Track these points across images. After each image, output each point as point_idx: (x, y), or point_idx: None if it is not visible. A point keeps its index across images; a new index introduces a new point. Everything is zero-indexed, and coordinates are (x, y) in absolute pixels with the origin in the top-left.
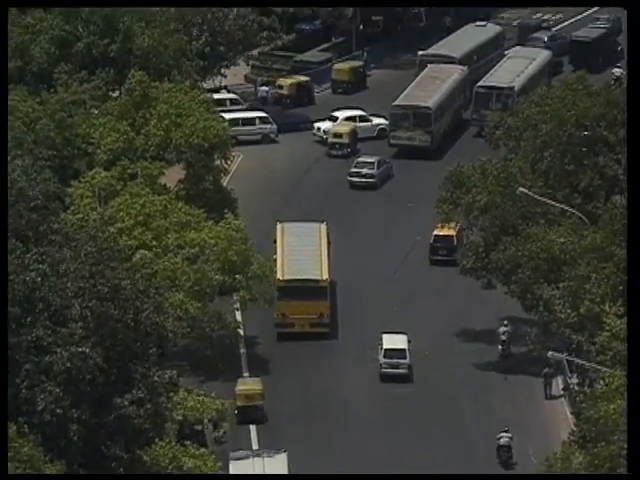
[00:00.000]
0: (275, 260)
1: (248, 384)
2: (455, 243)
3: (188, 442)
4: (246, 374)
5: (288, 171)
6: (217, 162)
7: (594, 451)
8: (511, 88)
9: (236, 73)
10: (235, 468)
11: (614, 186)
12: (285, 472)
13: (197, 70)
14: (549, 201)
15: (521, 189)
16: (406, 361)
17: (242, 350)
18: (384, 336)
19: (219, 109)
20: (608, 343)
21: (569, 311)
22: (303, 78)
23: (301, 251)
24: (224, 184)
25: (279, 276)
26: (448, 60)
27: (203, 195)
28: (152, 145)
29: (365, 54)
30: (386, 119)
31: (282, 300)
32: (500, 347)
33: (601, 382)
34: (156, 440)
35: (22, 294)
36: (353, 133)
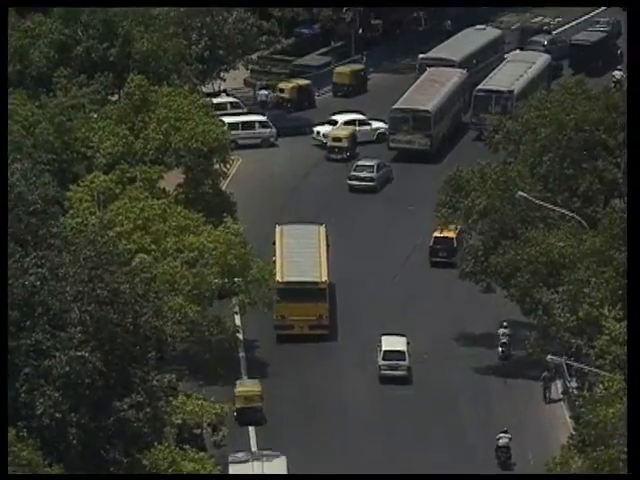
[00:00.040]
0: (274, 262)
1: (247, 386)
2: (455, 245)
3: (187, 446)
4: (245, 378)
5: (287, 175)
6: (216, 166)
7: (593, 455)
8: (510, 92)
9: (235, 77)
10: (234, 472)
11: (613, 190)
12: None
13: (196, 74)
14: (548, 205)
15: (520, 193)
16: (405, 363)
17: (241, 354)
18: (383, 338)
19: (220, 113)
20: (607, 347)
21: (568, 315)
22: (304, 82)
23: (300, 253)
24: (223, 188)
25: (278, 278)
26: (448, 63)
27: (202, 199)
28: (151, 149)
29: (364, 58)
30: (385, 123)
31: (281, 302)
32: (500, 349)
33: (600, 386)
34: (155, 444)
35: (21, 298)
36: (352, 137)
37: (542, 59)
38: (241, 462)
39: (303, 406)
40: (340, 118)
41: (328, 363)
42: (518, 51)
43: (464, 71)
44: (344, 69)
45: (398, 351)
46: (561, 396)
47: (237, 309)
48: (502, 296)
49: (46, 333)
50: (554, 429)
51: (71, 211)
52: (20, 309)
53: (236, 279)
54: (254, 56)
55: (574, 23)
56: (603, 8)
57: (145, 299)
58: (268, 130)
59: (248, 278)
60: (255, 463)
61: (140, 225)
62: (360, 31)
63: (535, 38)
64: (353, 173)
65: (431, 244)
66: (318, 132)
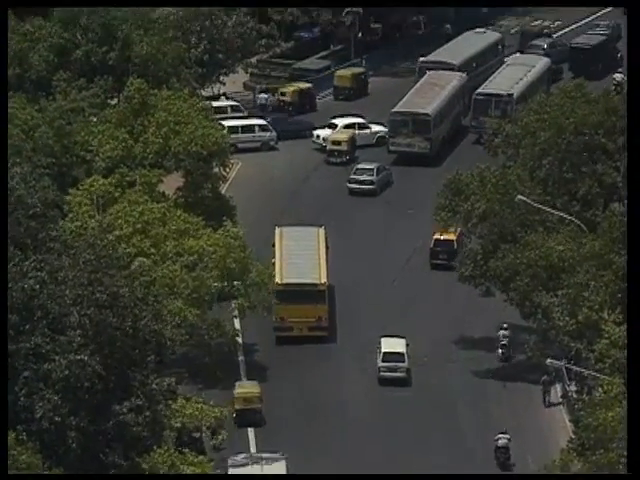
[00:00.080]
0: (273, 264)
1: (246, 387)
2: (455, 247)
3: (186, 449)
4: (244, 380)
5: (287, 178)
6: (216, 170)
7: (593, 459)
8: (510, 95)
9: (235, 81)
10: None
11: (613, 194)
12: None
13: (196, 78)
14: (548, 209)
15: (520, 197)
16: (404, 365)
17: (240, 357)
18: (382, 340)
19: (220, 116)
20: (607, 351)
21: (568, 319)
22: (305, 85)
23: (299, 255)
24: (223, 192)
25: (277, 280)
26: (447, 67)
27: (202, 203)
28: (151, 153)
29: (364, 62)
30: (385, 126)
31: (280, 304)
32: (500, 350)
33: (600, 390)
34: (154, 447)
35: (21, 302)
36: (352, 140)
37: (542, 62)
38: (241, 465)
39: (302, 408)
40: (340, 122)
41: (327, 365)
42: (518, 54)
43: (464, 74)
44: (345, 72)
45: (397, 353)
46: (560, 400)
47: (236, 313)
48: (501, 300)
49: (45, 337)
50: (554, 433)
51: (70, 215)
52: (19, 313)
53: (235, 283)
54: (253, 60)
55: (574, 26)
56: (603, 11)
57: (144, 303)
58: (268, 134)
59: (247, 282)
60: (255, 466)
61: (139, 229)
62: (360, 35)
63: (535, 41)
64: (353, 176)
65: (431, 246)
66: (318, 136)
